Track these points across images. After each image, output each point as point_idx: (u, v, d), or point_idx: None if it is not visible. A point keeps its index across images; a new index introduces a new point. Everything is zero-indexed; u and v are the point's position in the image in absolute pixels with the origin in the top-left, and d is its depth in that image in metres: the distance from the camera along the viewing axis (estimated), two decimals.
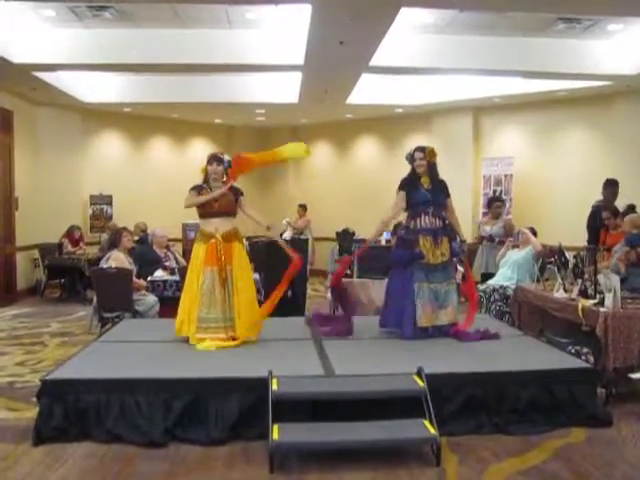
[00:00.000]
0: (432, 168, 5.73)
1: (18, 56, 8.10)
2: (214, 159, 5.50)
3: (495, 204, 8.88)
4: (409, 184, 5.74)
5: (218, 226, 5.36)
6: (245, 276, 5.47)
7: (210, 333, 5.21)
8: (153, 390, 4.22)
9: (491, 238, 8.40)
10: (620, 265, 5.82)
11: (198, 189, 5.48)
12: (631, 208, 7.35)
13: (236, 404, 4.20)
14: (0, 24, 7.64)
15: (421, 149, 5.75)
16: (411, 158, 5.75)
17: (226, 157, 5.57)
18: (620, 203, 7.60)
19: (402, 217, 5.95)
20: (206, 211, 5.40)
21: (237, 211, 5.55)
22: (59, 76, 9.76)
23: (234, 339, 5.27)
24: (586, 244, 7.52)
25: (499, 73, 9.41)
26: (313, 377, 4.37)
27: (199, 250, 5.38)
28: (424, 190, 5.67)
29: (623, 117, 10.02)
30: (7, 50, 7.90)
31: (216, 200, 5.39)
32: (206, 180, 5.52)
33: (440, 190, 5.71)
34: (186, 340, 5.26)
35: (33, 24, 7.97)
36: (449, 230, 5.70)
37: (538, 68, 8.84)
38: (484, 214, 10.49)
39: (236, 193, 5.53)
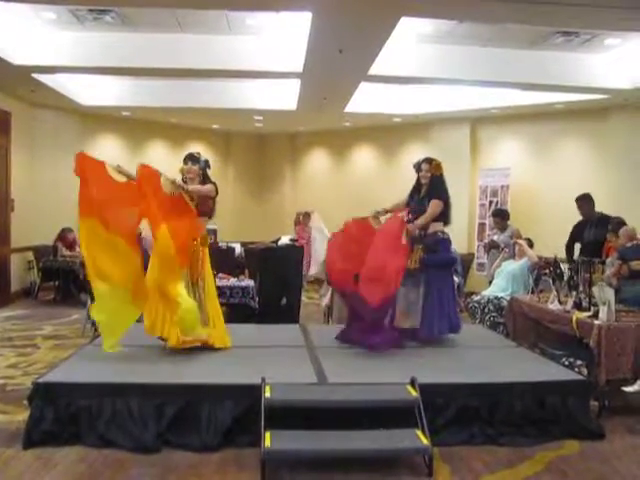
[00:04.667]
0: (433, 181, 5.80)
1: (18, 58, 8.08)
2: (189, 158, 5.50)
3: (494, 219, 8.94)
4: (410, 194, 5.95)
5: None
6: (211, 283, 5.40)
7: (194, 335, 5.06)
8: (145, 395, 4.21)
9: (495, 244, 8.48)
10: (612, 279, 5.82)
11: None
12: (618, 224, 7.24)
13: (229, 410, 4.19)
14: (1, 26, 7.64)
15: (428, 161, 5.85)
16: (418, 167, 5.87)
17: (203, 157, 5.55)
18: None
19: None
20: None
21: (213, 214, 5.50)
22: (58, 78, 9.75)
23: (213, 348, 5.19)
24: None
25: (497, 84, 9.44)
26: (306, 385, 4.37)
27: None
28: (415, 200, 5.85)
29: (619, 130, 10.07)
30: (7, 51, 7.88)
31: (192, 199, 5.32)
32: (183, 180, 5.48)
33: (427, 199, 5.76)
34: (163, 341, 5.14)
35: (34, 26, 7.96)
36: (430, 241, 5.73)
37: (536, 80, 8.87)
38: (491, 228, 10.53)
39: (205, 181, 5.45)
